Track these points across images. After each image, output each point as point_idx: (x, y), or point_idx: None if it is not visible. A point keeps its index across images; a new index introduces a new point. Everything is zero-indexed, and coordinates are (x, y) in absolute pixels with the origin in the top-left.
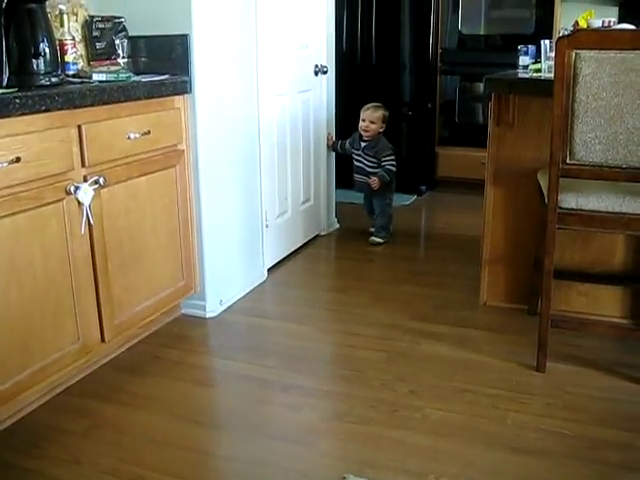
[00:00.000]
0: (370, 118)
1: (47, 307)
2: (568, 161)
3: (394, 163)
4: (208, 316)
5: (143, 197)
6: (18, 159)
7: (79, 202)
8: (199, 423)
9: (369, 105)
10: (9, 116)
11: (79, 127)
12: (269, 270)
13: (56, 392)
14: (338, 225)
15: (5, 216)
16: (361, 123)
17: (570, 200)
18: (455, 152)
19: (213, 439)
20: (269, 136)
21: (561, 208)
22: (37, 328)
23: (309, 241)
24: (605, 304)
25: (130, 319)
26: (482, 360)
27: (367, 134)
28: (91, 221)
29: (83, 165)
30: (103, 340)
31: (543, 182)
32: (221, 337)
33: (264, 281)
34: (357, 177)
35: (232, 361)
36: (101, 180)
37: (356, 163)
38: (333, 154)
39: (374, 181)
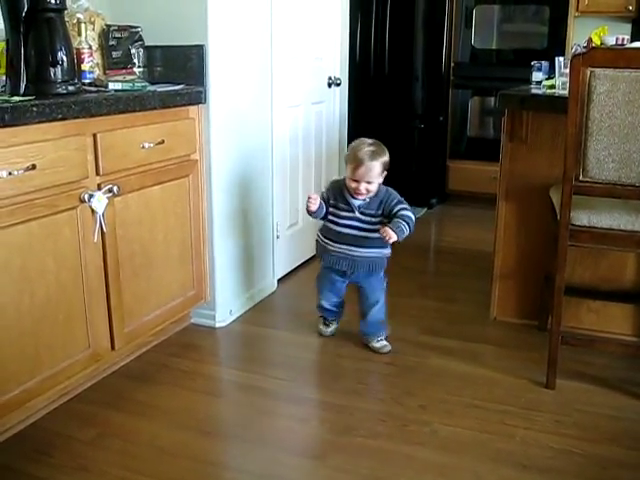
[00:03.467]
0: (366, 178)
1: (58, 314)
2: (581, 178)
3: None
4: (218, 326)
5: (156, 206)
6: (34, 166)
7: (93, 210)
8: (206, 433)
9: (361, 153)
10: (26, 124)
11: (94, 136)
12: (279, 281)
13: (65, 399)
14: None
15: (19, 223)
16: (352, 184)
17: (582, 217)
18: (466, 166)
19: (220, 450)
20: (282, 147)
21: (573, 225)
22: (47, 335)
23: None
24: (616, 321)
25: (140, 327)
26: (491, 376)
27: (362, 197)
28: (104, 229)
29: (97, 173)
30: (113, 348)
31: (555, 199)
32: (230, 347)
33: (274, 292)
34: (337, 247)
35: (241, 372)
36: (115, 189)
37: (337, 227)
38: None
39: (386, 231)
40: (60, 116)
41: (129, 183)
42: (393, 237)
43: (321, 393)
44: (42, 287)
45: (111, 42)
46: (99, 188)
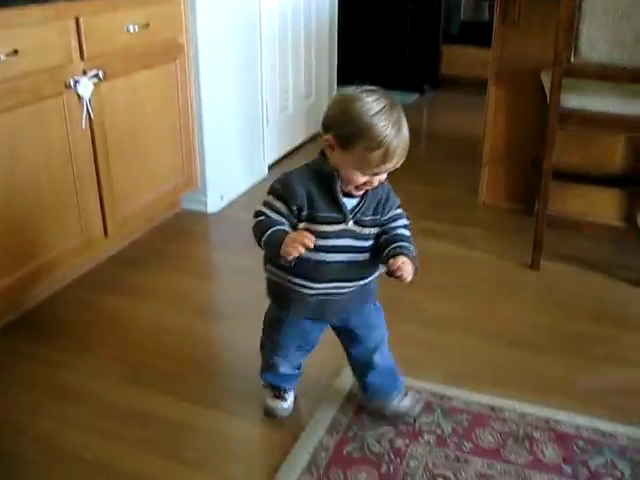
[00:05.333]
0: (390, 170)
1: (50, 202)
2: (572, 60)
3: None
4: (209, 211)
5: (144, 91)
6: (16, 52)
7: (79, 96)
8: (201, 314)
9: (394, 136)
10: (1, 6)
11: (77, 19)
12: (270, 167)
13: (62, 285)
14: None
15: (5, 110)
16: (360, 178)
17: (572, 100)
18: (460, 50)
19: (216, 329)
20: (270, 29)
21: (563, 108)
22: (40, 223)
23: (310, 138)
24: (602, 206)
25: (132, 213)
26: (479, 257)
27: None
28: (92, 116)
29: (82, 58)
30: (106, 234)
31: (546, 82)
32: (222, 232)
33: (265, 178)
34: (320, 289)
35: (233, 255)
36: (100, 74)
37: (319, 255)
38: (335, 47)
39: (402, 267)
40: None
41: (115, 68)
42: (410, 277)
43: None
44: (32, 175)
45: None
46: (84, 73)
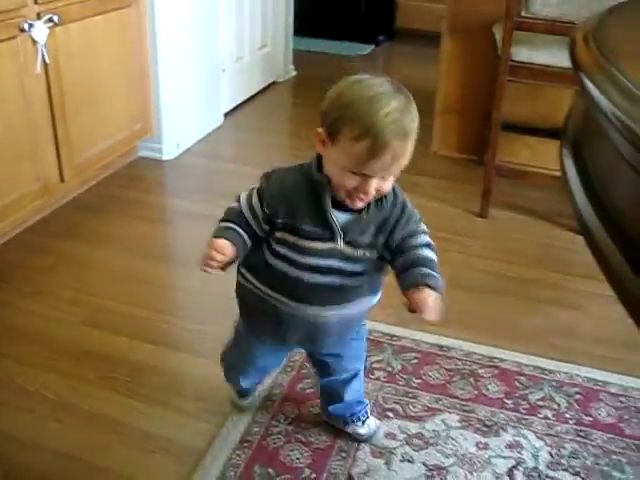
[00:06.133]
0: (388, 171)
1: (5, 147)
2: (523, 14)
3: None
4: (165, 159)
5: (99, 37)
6: None
7: (34, 41)
8: (157, 258)
9: (385, 121)
10: None
11: None
12: (226, 115)
13: (18, 231)
14: (295, 73)
15: None
16: (349, 181)
17: (522, 53)
18: (416, 3)
19: (171, 273)
20: None
21: (513, 61)
22: None
23: (266, 87)
24: (550, 157)
25: (88, 160)
26: (429, 205)
27: (362, 204)
28: (47, 60)
29: (36, 2)
30: (62, 180)
31: (498, 35)
32: (178, 179)
33: (221, 125)
34: (293, 309)
35: (188, 201)
36: (55, 18)
37: (296, 272)
38: None
39: (423, 301)
40: None
41: (70, 12)
42: (435, 317)
43: None
44: None
45: None
46: (39, 17)
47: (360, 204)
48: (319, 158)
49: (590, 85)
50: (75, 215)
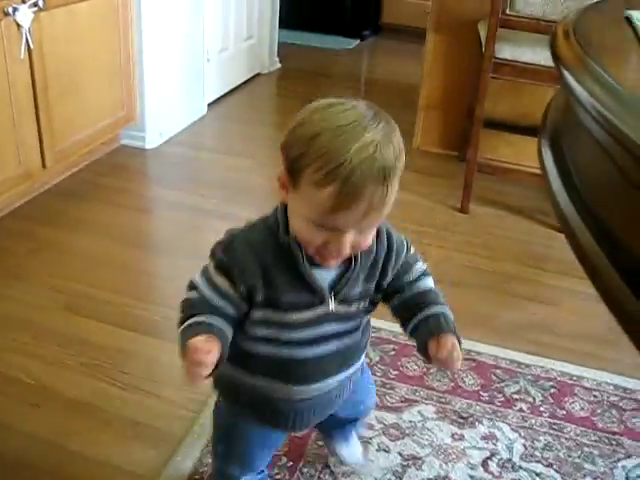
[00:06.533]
0: (364, 224)
1: None
2: (508, 12)
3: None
4: (147, 147)
5: (84, 23)
6: None
7: (18, 25)
8: (139, 246)
9: (357, 159)
10: None
11: None
12: (209, 105)
13: None
14: (280, 65)
15: None
16: (316, 238)
17: (506, 51)
18: None
19: (152, 261)
20: None
21: (497, 58)
22: None
23: (250, 79)
24: (530, 155)
25: (71, 146)
26: (410, 199)
27: (334, 263)
28: (31, 46)
29: None
30: (44, 166)
31: (483, 32)
32: (160, 168)
33: (204, 115)
34: (306, 392)
35: (170, 190)
36: (40, 3)
37: (297, 351)
38: None
39: (451, 351)
40: None
41: None
42: (460, 364)
43: (249, 210)
44: None
45: None
46: (23, 1)
47: (333, 262)
48: (285, 209)
49: (570, 78)
50: (57, 201)
